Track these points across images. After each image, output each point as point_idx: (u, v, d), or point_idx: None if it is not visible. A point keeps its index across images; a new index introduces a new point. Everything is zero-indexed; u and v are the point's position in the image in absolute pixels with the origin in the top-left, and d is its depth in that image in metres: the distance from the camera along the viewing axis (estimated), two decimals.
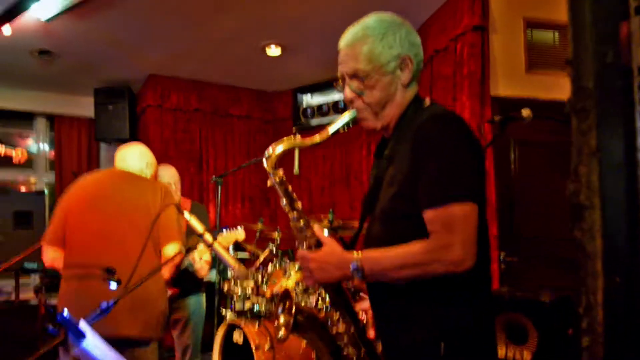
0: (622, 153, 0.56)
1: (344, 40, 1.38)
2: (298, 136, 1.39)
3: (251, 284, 3.57)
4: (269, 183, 1.40)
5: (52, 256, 2.33)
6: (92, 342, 1.19)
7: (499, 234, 3.42)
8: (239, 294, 3.62)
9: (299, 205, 1.41)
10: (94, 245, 2.24)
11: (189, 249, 1.54)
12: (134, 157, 2.51)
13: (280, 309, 1.44)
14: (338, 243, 1.35)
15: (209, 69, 5.30)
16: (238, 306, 3.72)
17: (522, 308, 2.88)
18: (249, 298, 3.61)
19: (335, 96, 5.34)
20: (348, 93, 1.38)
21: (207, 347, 3.58)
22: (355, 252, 1.30)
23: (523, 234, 3.64)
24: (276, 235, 3.65)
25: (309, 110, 5.57)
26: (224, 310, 3.97)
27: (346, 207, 5.19)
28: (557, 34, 3.78)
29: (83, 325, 1.13)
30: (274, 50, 4.70)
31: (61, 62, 4.83)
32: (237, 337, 3.22)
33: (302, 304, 1.51)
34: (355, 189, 5.14)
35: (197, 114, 5.66)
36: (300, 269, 1.38)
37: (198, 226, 1.58)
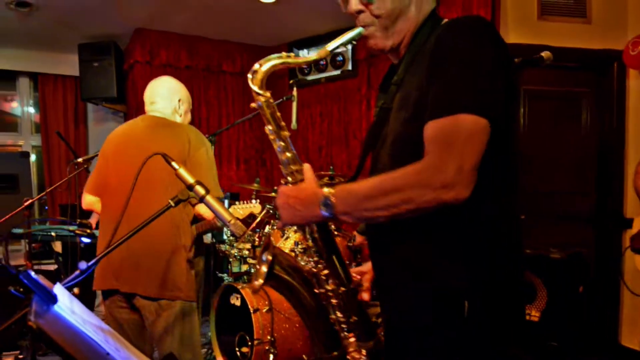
0: None
1: None
2: (291, 54, 1.20)
3: (247, 246, 3.45)
4: (253, 104, 1.21)
5: (89, 200, 2.35)
6: (67, 307, 1.02)
7: None
8: (236, 256, 3.51)
9: (287, 134, 1.21)
10: (121, 192, 2.16)
11: (179, 201, 1.38)
12: (163, 97, 2.33)
13: (263, 258, 1.27)
14: (318, 183, 1.13)
15: (200, 22, 5.01)
16: (235, 269, 3.62)
17: (531, 265, 2.77)
18: (245, 260, 3.50)
19: None
20: (354, 3, 1.20)
21: (205, 310, 3.48)
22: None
23: (531, 189, 3.50)
24: (273, 195, 3.50)
25: (305, 66, 5.30)
26: (220, 273, 3.87)
27: (344, 167, 5.02)
28: None
29: (58, 288, 0.96)
30: (268, 0, 4.41)
31: (41, 15, 4.53)
32: (235, 300, 3.11)
33: (287, 256, 1.29)
34: (355, 148, 4.95)
35: (189, 71, 5.40)
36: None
37: (188, 177, 1.42)
